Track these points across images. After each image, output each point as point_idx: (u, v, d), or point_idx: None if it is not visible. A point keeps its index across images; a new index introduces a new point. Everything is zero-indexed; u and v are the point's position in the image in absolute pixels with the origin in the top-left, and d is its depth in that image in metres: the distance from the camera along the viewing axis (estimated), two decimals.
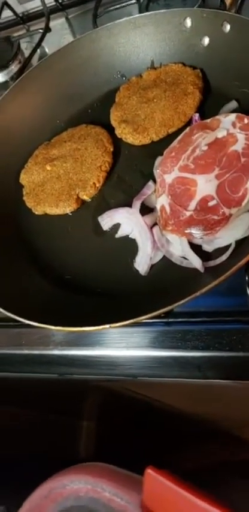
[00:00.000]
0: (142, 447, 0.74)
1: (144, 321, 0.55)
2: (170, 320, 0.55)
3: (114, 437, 0.76)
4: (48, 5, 1.03)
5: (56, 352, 0.60)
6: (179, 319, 0.55)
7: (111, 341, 0.57)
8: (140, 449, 0.73)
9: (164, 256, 0.55)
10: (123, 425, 0.73)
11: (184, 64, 0.70)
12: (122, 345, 0.56)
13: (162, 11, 0.69)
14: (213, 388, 0.59)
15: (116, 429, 0.75)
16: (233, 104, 0.63)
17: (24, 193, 0.70)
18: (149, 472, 0.30)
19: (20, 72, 0.94)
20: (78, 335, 0.59)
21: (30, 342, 0.61)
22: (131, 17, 0.72)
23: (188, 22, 0.67)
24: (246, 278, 0.50)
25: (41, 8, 1.05)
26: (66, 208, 0.65)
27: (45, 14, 1.00)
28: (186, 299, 0.45)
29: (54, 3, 1.07)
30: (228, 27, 0.63)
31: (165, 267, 0.55)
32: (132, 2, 0.94)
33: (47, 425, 0.81)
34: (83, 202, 0.66)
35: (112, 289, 0.56)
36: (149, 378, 0.58)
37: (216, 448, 0.73)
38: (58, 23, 1.08)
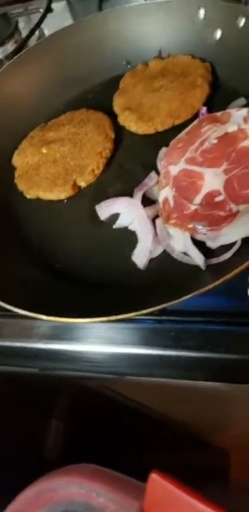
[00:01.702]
0: (120, 449, 0.71)
1: (134, 317, 0.53)
2: (163, 318, 0.52)
3: (90, 438, 0.73)
4: None
5: (39, 345, 0.56)
6: (172, 317, 0.52)
7: (98, 336, 0.54)
8: (117, 451, 0.71)
9: (163, 251, 0.52)
10: (99, 425, 0.71)
11: (193, 56, 0.68)
12: (109, 341, 0.54)
13: None
14: (198, 390, 0.57)
15: (92, 430, 0.72)
16: (242, 101, 0.61)
17: (16, 175, 0.67)
18: (154, 476, 0.27)
19: (16, 52, 0.91)
20: (62, 328, 0.56)
21: (12, 333, 0.58)
22: (143, 2, 0.69)
23: (202, 13, 0.65)
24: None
25: None
26: (61, 193, 0.62)
27: None
28: (186, 297, 0.43)
29: None
30: (243, 21, 0.61)
31: (164, 262, 0.52)
32: None
33: (20, 424, 0.77)
34: (79, 189, 0.63)
35: (107, 281, 0.53)
36: (136, 377, 0.55)
37: (197, 453, 0.71)
38: (59, 5, 1.05)
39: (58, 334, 0.56)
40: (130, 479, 0.34)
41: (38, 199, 0.64)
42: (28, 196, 0.64)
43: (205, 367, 0.51)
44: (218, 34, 0.66)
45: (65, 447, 0.74)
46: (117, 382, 0.60)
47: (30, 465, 0.69)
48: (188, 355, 0.50)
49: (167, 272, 0.51)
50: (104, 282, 0.53)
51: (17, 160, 0.69)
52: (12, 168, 0.68)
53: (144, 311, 0.44)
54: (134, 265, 0.53)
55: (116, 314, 0.44)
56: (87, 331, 0.55)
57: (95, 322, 0.46)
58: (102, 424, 0.68)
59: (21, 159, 0.68)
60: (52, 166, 0.64)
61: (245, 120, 0.52)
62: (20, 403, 0.72)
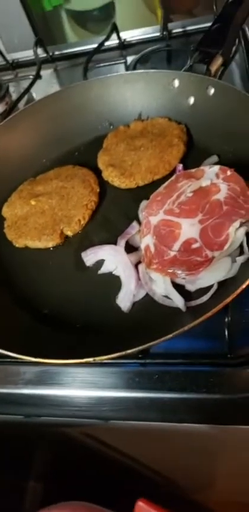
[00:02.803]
0: (109, 486, 0.70)
1: (119, 360, 0.55)
2: (146, 361, 0.55)
3: (80, 477, 0.72)
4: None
5: (25, 391, 0.57)
6: (156, 360, 0.55)
7: (83, 381, 0.56)
8: (106, 488, 0.70)
9: (146, 295, 0.56)
10: (88, 466, 0.70)
11: (169, 119, 0.75)
12: (95, 385, 0.55)
13: (153, 70, 0.75)
14: (182, 432, 0.58)
15: (82, 470, 0.71)
16: (214, 159, 0.67)
17: (5, 225, 0.70)
18: (141, 504, 0.28)
19: (7, 113, 0.97)
20: (48, 373, 0.57)
21: None
22: (124, 72, 0.77)
23: (176, 83, 0.73)
24: (226, 320, 0.52)
25: (30, 57, 1.12)
26: (49, 242, 0.65)
27: (37, 63, 1.05)
28: (167, 337, 0.45)
29: (44, 55, 1.14)
30: (212, 90, 0.69)
31: (147, 305, 0.55)
32: (120, 61, 1.01)
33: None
34: (66, 238, 0.67)
35: (93, 325, 0.56)
36: (123, 420, 0.56)
37: None
38: (47, 72, 1.14)
39: (44, 380, 0.57)
40: None
41: (27, 248, 0.67)
42: (17, 245, 0.67)
43: (189, 408, 0.52)
44: (192, 100, 0.73)
45: (57, 486, 0.72)
46: (103, 426, 0.60)
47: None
48: (172, 397, 0.52)
49: (150, 314, 0.54)
50: (89, 325, 0.56)
51: (6, 211, 0.72)
52: (2, 219, 0.72)
53: (128, 351, 0.46)
54: (118, 308, 0.56)
55: (101, 355, 0.46)
56: (72, 375, 0.57)
57: (81, 363, 0.47)
58: (90, 464, 0.68)
59: (11, 211, 0.72)
60: (41, 217, 0.68)
61: (217, 175, 0.58)
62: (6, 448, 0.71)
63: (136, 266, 0.57)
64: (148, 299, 0.55)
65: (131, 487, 0.69)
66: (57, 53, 1.16)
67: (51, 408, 0.58)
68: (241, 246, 0.53)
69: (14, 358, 0.49)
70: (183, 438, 0.60)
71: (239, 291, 0.46)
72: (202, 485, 0.70)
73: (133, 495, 0.60)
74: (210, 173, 0.59)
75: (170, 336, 0.45)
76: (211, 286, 0.52)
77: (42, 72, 1.08)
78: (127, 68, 1.01)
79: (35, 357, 0.48)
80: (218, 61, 0.71)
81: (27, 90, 1.01)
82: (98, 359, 0.46)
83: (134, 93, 0.78)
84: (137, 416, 0.54)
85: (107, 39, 1.05)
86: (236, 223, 0.53)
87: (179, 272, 0.52)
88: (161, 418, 0.54)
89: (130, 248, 0.60)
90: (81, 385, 0.56)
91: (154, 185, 0.66)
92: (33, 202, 0.70)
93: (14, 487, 0.77)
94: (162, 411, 0.53)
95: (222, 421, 0.53)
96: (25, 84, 1.05)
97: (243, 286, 0.46)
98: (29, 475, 0.75)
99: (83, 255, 0.62)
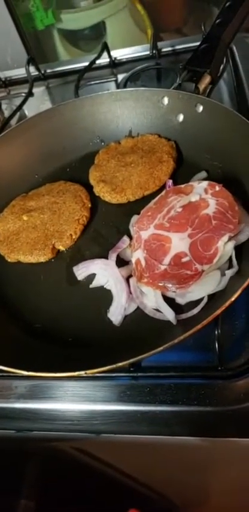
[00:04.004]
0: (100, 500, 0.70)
1: (110, 374, 0.55)
2: (138, 374, 0.55)
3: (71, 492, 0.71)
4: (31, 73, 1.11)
5: (17, 405, 0.58)
6: (148, 373, 0.55)
7: (75, 394, 0.56)
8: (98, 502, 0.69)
9: (137, 308, 0.56)
10: (78, 481, 0.69)
11: (159, 135, 0.77)
12: (86, 399, 0.55)
13: (143, 88, 0.77)
14: (175, 445, 0.58)
15: (72, 485, 0.70)
16: (203, 174, 0.69)
17: None
18: None
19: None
20: (40, 387, 0.58)
21: None
22: (114, 90, 0.79)
23: (166, 100, 0.75)
24: (216, 333, 0.52)
25: (22, 75, 1.14)
26: (41, 257, 0.66)
27: (29, 80, 1.07)
28: (158, 349, 0.46)
29: (36, 73, 1.16)
30: (201, 108, 0.71)
31: (138, 318, 0.56)
32: (111, 79, 1.03)
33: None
34: (58, 252, 0.67)
35: (84, 339, 0.56)
36: (114, 434, 0.56)
37: None
38: (38, 90, 1.16)
39: (36, 394, 0.58)
40: None
41: (19, 263, 0.67)
42: (9, 260, 0.68)
43: (180, 421, 0.53)
44: (181, 117, 0.75)
45: (49, 503, 0.71)
46: (95, 440, 0.60)
47: None
48: (164, 410, 0.53)
49: (141, 328, 0.55)
50: (81, 339, 0.56)
51: None
52: None
53: (119, 364, 0.46)
54: (110, 322, 0.56)
55: (92, 368, 0.47)
56: (64, 389, 0.57)
57: (73, 376, 0.48)
58: (82, 479, 0.67)
59: (3, 226, 0.72)
60: (33, 232, 0.69)
61: (205, 191, 0.59)
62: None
63: (127, 280, 0.58)
64: (139, 312, 0.56)
65: (123, 501, 0.68)
66: (49, 70, 1.18)
67: (43, 422, 0.57)
68: (230, 259, 0.54)
69: (6, 372, 0.49)
70: (175, 452, 0.60)
71: (227, 303, 0.46)
72: (195, 501, 0.70)
73: (126, 510, 0.60)
74: (199, 188, 0.60)
75: (161, 348, 0.45)
76: (201, 300, 0.53)
77: (34, 90, 1.10)
78: (117, 86, 1.03)
79: (27, 370, 0.48)
80: (206, 79, 0.73)
81: (20, 107, 1.03)
82: (89, 372, 0.47)
83: (124, 111, 0.79)
84: (129, 429, 0.55)
85: (98, 57, 1.07)
86: (225, 237, 0.54)
87: (170, 285, 0.53)
88: (153, 432, 0.54)
89: (121, 262, 0.61)
90: (72, 399, 0.56)
91: (145, 200, 0.67)
92: (25, 218, 0.71)
93: (5, 505, 0.76)
94: (154, 424, 0.53)
95: (213, 434, 0.54)
96: (17, 101, 1.07)
97: (232, 299, 0.47)
98: (20, 493, 0.74)
99: (75, 269, 0.62)
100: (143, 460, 0.64)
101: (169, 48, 1.10)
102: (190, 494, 0.68)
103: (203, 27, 0.99)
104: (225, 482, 0.66)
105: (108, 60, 1.11)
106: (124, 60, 1.12)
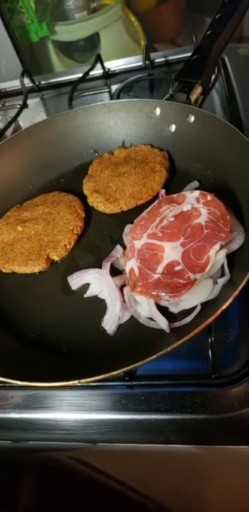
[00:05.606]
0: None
1: (105, 383, 0.56)
2: (133, 383, 0.56)
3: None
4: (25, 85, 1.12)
5: (13, 415, 0.58)
6: (142, 382, 0.56)
7: (70, 404, 0.57)
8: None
9: (131, 317, 0.57)
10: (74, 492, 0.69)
11: (152, 146, 0.78)
12: (82, 408, 0.56)
13: (135, 99, 0.78)
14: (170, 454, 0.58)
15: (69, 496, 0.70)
16: (195, 184, 0.70)
17: None
18: None
19: None
20: (35, 397, 0.58)
21: None
22: (107, 101, 0.80)
23: (158, 111, 0.76)
24: (209, 340, 0.53)
25: (17, 87, 1.15)
26: (35, 267, 0.66)
27: (24, 92, 1.08)
28: (151, 358, 0.46)
29: (31, 84, 1.17)
30: (192, 118, 0.72)
31: (132, 327, 0.56)
32: (104, 90, 1.04)
33: None
34: (52, 262, 0.68)
35: (79, 348, 0.56)
36: (110, 443, 0.56)
37: None
38: (33, 101, 1.17)
39: (32, 404, 0.58)
40: None
41: (13, 273, 0.68)
42: (4, 270, 0.68)
43: (175, 429, 0.53)
44: (173, 128, 0.76)
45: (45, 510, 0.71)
46: (90, 449, 0.60)
47: None
48: (159, 418, 0.53)
49: (135, 336, 0.55)
50: (75, 348, 0.57)
51: None
52: None
53: (113, 373, 0.46)
54: (104, 331, 0.57)
55: (86, 377, 0.47)
56: (59, 399, 0.57)
57: (67, 385, 0.48)
58: (78, 489, 0.67)
59: None
60: (27, 242, 0.70)
61: (197, 200, 0.60)
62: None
63: (121, 289, 0.58)
64: (133, 321, 0.56)
65: (119, 510, 0.68)
66: (43, 82, 1.19)
67: (38, 432, 0.58)
68: (222, 268, 0.55)
69: (1, 382, 0.49)
70: (170, 460, 0.60)
71: (219, 311, 0.47)
72: (190, 508, 0.70)
73: None
74: (191, 198, 0.61)
75: (154, 357, 0.46)
76: (194, 308, 0.53)
77: (29, 101, 1.11)
78: (111, 97, 1.04)
79: (21, 380, 0.49)
80: (198, 90, 0.75)
81: (14, 118, 1.04)
82: (83, 381, 0.47)
83: (118, 121, 0.80)
84: (125, 438, 0.55)
85: (91, 69, 1.09)
86: (217, 246, 0.54)
87: (163, 294, 0.54)
88: (148, 440, 0.54)
89: (115, 271, 0.62)
90: (68, 408, 0.56)
91: (138, 210, 0.68)
92: (19, 228, 0.72)
93: None
94: (149, 433, 0.54)
95: (208, 442, 0.54)
96: (12, 113, 1.08)
97: (224, 307, 0.47)
98: (17, 503, 0.74)
99: (69, 279, 0.63)
100: (139, 469, 0.64)
101: (162, 59, 1.12)
102: (185, 502, 0.68)
103: (194, 39, 1.01)
104: (220, 489, 0.66)
105: (101, 71, 1.12)
106: (118, 71, 1.14)
